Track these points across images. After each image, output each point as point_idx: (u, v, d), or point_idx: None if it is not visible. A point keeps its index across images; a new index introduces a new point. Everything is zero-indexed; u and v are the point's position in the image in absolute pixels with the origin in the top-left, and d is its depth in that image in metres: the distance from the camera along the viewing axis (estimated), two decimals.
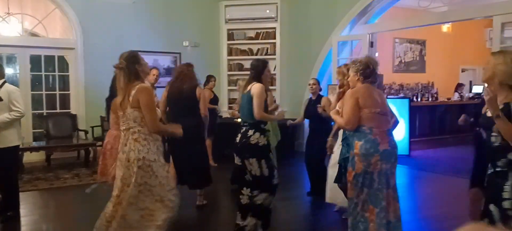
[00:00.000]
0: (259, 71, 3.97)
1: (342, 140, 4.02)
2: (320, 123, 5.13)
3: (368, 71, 3.38)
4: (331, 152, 4.63)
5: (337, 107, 4.77)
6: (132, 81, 3.12)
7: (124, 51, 9.93)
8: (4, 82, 4.52)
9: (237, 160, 4.00)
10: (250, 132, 3.85)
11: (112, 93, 4.06)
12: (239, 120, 5.38)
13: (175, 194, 3.25)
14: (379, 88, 7.44)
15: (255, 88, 3.85)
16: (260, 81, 3.93)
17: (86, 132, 8.23)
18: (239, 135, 3.94)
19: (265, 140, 3.86)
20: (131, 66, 3.14)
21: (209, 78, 7.70)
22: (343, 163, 3.94)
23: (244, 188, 3.95)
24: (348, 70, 3.87)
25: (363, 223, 3.28)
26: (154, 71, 6.00)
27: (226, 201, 5.73)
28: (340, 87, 4.85)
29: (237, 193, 4.14)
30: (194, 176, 4.92)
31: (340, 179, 4.08)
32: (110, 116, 4.21)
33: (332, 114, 3.64)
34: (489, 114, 2.51)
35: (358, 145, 3.27)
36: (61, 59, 8.55)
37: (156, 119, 3.10)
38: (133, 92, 3.07)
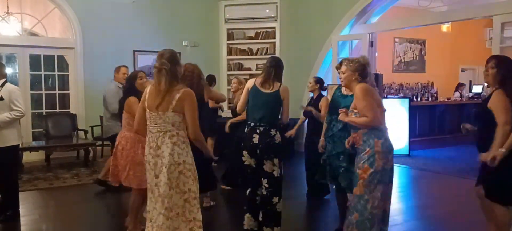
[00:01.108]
0: (281, 71, 3.89)
1: (329, 137, 3.82)
2: (319, 123, 5.08)
3: (365, 72, 3.42)
4: (323, 151, 4.51)
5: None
6: (174, 83, 2.99)
7: (123, 50, 9.92)
8: (5, 81, 4.52)
9: (251, 162, 3.86)
10: (273, 131, 3.77)
11: (129, 93, 4.05)
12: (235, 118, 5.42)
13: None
14: (380, 88, 7.48)
15: (286, 91, 3.82)
16: (281, 81, 3.87)
17: (85, 132, 8.22)
18: (257, 135, 3.77)
19: (281, 139, 3.88)
20: (173, 67, 3.00)
21: (214, 78, 7.80)
22: (328, 160, 3.84)
23: (260, 189, 3.87)
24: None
25: (371, 220, 3.31)
26: (124, 70, 5.87)
27: (228, 200, 5.71)
28: None
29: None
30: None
31: (324, 176, 3.92)
32: (123, 116, 4.09)
33: (343, 117, 3.43)
34: None
35: (379, 142, 3.27)
36: (61, 58, 8.54)
37: (198, 125, 3.03)
38: (177, 95, 2.95)
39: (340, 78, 3.61)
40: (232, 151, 5.64)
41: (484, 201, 3.48)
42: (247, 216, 3.97)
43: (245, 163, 3.92)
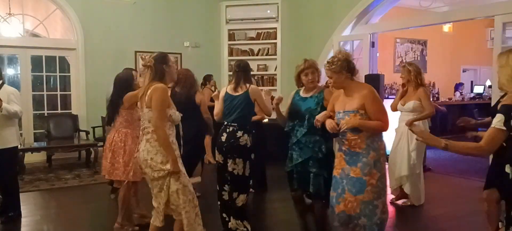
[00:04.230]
0: (249, 73, 4.08)
1: (294, 144, 3.60)
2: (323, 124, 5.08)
3: (351, 66, 3.19)
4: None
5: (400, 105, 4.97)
6: (154, 82, 3.10)
7: (124, 51, 9.96)
8: (3, 83, 4.51)
9: (219, 158, 4.04)
10: (239, 133, 3.91)
11: (126, 90, 4.15)
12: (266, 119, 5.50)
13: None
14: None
15: (256, 91, 3.97)
16: (251, 82, 4.05)
17: (87, 133, 8.23)
18: (225, 135, 3.95)
19: (250, 141, 3.94)
20: (159, 66, 3.13)
21: (210, 77, 7.85)
22: (296, 168, 3.60)
23: (226, 186, 4.05)
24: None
25: (380, 224, 3.19)
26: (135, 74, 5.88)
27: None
28: (403, 86, 5.03)
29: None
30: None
31: (293, 186, 3.71)
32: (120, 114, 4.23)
33: (353, 122, 3.13)
34: None
35: (382, 145, 3.19)
36: (62, 59, 8.56)
37: (160, 121, 3.03)
38: (148, 92, 3.06)
39: (308, 80, 3.59)
40: None
41: (492, 206, 3.39)
42: (222, 213, 4.14)
43: (216, 159, 4.12)
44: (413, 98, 4.92)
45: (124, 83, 4.20)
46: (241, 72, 4.01)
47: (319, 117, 3.27)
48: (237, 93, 3.97)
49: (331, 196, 3.29)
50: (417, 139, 2.54)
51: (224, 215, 4.12)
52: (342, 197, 3.18)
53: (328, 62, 3.21)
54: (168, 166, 3.03)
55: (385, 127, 3.13)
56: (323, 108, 3.44)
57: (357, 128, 3.09)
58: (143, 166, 3.13)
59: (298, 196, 3.80)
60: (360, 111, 3.09)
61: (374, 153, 3.11)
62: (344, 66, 3.15)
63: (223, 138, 3.95)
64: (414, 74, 4.92)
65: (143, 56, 3.08)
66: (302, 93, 3.66)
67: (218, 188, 4.14)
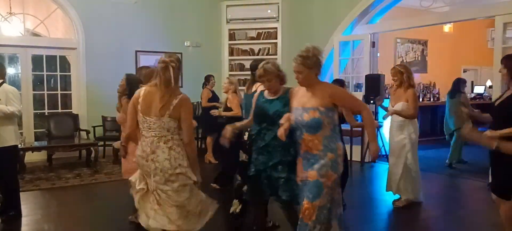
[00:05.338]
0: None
1: (261, 148, 3.31)
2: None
3: (321, 64, 3.04)
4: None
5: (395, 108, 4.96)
6: (176, 86, 2.98)
7: (125, 51, 9.92)
8: (3, 82, 4.51)
9: (244, 157, 4.07)
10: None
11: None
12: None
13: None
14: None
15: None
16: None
17: (87, 132, 8.24)
18: (248, 133, 3.95)
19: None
20: (178, 70, 2.99)
21: (209, 77, 7.88)
22: (265, 173, 3.29)
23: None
24: None
25: (339, 219, 3.05)
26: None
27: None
28: (395, 87, 5.09)
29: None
30: None
31: (257, 193, 3.43)
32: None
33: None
34: None
35: (340, 145, 3.05)
36: (63, 59, 8.56)
37: (192, 132, 3.07)
38: (174, 101, 2.93)
39: (264, 85, 3.32)
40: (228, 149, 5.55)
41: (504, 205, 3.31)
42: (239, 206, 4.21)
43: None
44: (403, 99, 4.93)
45: (137, 85, 4.21)
46: (251, 75, 4.23)
47: (280, 131, 3.00)
48: (249, 93, 4.10)
49: None
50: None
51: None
52: (301, 205, 3.01)
53: (301, 56, 2.99)
54: (192, 176, 3.07)
55: (367, 109, 3.11)
56: None
57: (315, 127, 2.95)
58: (170, 173, 2.95)
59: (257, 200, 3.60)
60: (320, 109, 2.96)
61: (332, 154, 2.96)
62: (317, 63, 3.02)
63: (246, 137, 4.03)
64: (407, 75, 4.94)
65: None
66: (267, 95, 3.36)
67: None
